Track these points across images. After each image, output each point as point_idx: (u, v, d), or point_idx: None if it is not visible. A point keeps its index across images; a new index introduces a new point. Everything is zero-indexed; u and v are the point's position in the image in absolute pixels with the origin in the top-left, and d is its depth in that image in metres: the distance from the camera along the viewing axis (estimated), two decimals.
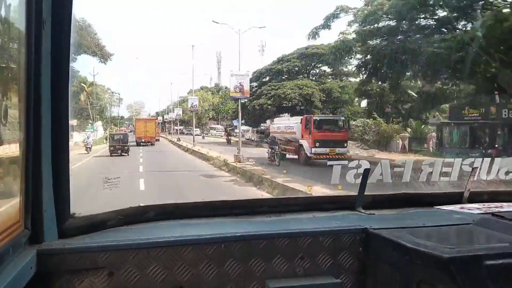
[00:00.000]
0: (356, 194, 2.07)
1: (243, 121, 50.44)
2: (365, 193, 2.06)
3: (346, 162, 2.10)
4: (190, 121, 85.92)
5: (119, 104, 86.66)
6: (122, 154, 28.96)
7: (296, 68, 47.61)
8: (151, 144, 44.22)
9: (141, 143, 42.47)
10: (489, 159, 2.21)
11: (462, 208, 2.07)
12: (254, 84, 47.01)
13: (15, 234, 1.24)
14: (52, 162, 1.45)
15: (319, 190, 11.98)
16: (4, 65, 1.20)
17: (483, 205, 2.09)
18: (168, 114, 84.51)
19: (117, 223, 1.72)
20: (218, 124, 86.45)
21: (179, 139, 49.93)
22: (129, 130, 62.52)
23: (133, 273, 1.46)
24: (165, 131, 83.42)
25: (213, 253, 1.55)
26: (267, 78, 48.63)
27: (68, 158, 1.53)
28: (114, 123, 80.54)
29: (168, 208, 1.94)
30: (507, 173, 2.18)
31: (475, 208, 2.01)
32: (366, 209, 2.05)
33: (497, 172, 2.19)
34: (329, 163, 2.10)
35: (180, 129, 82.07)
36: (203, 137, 56.79)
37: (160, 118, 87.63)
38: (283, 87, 43.55)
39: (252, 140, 49.30)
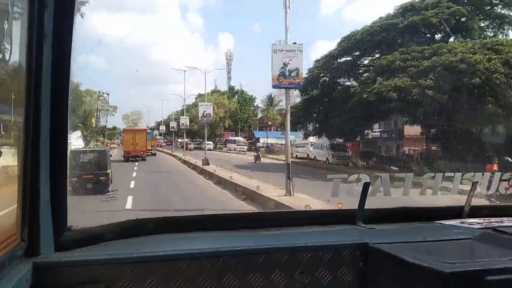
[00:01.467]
0: (356, 208, 2.05)
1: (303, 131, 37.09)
2: (365, 207, 2.04)
3: (345, 175, 2.09)
4: (201, 132, 69.81)
5: (107, 108, 62.82)
6: (96, 191, 14.43)
7: (452, 19, 24.25)
8: (142, 159, 36.56)
9: (130, 158, 36.02)
10: (489, 173, 2.21)
11: (462, 222, 2.05)
12: (336, 62, 28.46)
13: (11, 246, 1.24)
14: (50, 174, 1.45)
15: None
16: (4, 77, 1.21)
17: (484, 220, 2.07)
18: (179, 120, 60.98)
19: (115, 236, 1.71)
20: (237, 136, 71.49)
21: (206, 161, 27.05)
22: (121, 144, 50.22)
23: (130, 287, 1.44)
24: (172, 144, 66.83)
25: (212, 267, 1.53)
26: (363, 48, 27.45)
27: (66, 171, 1.53)
28: (103, 134, 63.29)
29: (166, 222, 1.93)
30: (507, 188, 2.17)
31: (475, 223, 2.00)
32: (366, 223, 2.03)
33: (498, 187, 2.18)
34: (328, 176, 2.09)
35: (185, 142, 67.97)
36: (257, 160, 36.33)
37: (163, 128, 76.33)
38: (441, 53, 20.96)
39: (323, 161, 32.05)
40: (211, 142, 68.54)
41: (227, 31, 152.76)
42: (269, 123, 69.82)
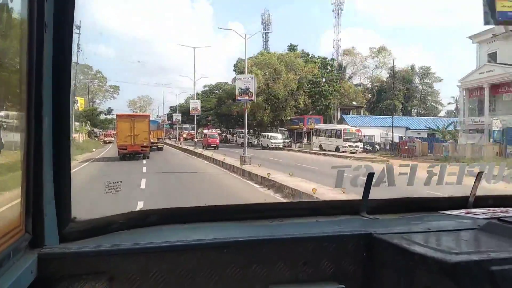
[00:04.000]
0: (360, 199, 2.04)
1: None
2: (369, 198, 2.03)
3: (350, 166, 2.08)
4: (241, 119, 42.62)
5: (98, 84, 46.61)
6: None
7: None
8: (144, 157, 27.23)
9: (127, 155, 26.70)
10: (494, 163, 2.19)
11: (467, 213, 2.04)
12: None
13: (16, 238, 1.24)
14: (53, 166, 1.45)
15: None
16: (5, 68, 1.21)
17: (489, 210, 2.06)
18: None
19: (119, 227, 1.71)
20: (325, 123, 42.55)
21: None
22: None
23: (134, 278, 1.45)
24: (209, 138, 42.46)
25: (216, 258, 1.54)
26: None
27: (70, 162, 1.53)
28: (89, 120, 44.15)
29: (170, 212, 1.93)
30: None
31: (480, 213, 1.99)
32: (370, 214, 2.03)
33: (503, 177, 2.17)
34: (332, 166, 2.08)
35: (206, 133, 43.53)
36: None
37: (195, 105, 43.19)
38: None
39: None
40: (279, 135, 41.58)
41: (237, 20, 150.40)
42: (353, 102, 49.18)
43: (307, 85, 44.17)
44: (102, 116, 53.22)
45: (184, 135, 54.78)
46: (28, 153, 1.31)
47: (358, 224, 1.91)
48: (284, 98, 41.20)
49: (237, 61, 50.93)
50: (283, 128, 46.92)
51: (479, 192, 2.17)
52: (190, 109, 41.80)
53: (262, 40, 77.59)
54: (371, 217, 1.99)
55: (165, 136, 54.03)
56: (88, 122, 43.58)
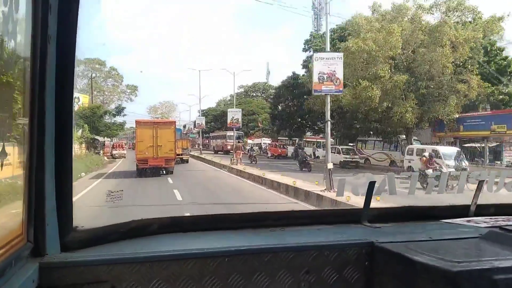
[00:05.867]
0: (362, 207, 2.04)
1: None
2: (370, 207, 2.03)
3: (351, 174, 2.09)
4: (336, 120, 29.45)
5: (113, 84, 36.98)
6: None
7: None
8: (166, 172, 22.49)
9: (147, 170, 21.89)
10: (495, 171, 2.19)
11: (469, 221, 2.04)
12: None
13: (18, 247, 1.24)
14: (55, 175, 1.45)
15: None
16: (9, 79, 1.22)
17: (491, 218, 2.06)
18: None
19: (120, 237, 1.71)
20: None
21: None
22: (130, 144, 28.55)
23: (136, 287, 1.45)
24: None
25: (217, 267, 1.53)
26: None
27: (71, 170, 1.54)
28: (89, 123, 31.05)
29: (172, 221, 1.93)
30: None
31: (482, 222, 1.98)
32: (372, 222, 2.03)
33: (504, 185, 2.17)
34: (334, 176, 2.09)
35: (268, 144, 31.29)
36: None
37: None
38: None
39: None
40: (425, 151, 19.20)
41: (260, 32, 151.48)
42: None
43: (478, 58, 23.14)
44: (112, 120, 37.66)
45: (229, 147, 40.96)
46: (30, 162, 1.31)
47: (360, 233, 1.90)
48: (445, 79, 21.48)
49: (310, 35, 38.32)
50: (416, 139, 26.98)
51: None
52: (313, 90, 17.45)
53: (313, 27, 64.59)
54: (372, 226, 1.99)
55: (202, 146, 45.98)
56: (87, 126, 30.14)
